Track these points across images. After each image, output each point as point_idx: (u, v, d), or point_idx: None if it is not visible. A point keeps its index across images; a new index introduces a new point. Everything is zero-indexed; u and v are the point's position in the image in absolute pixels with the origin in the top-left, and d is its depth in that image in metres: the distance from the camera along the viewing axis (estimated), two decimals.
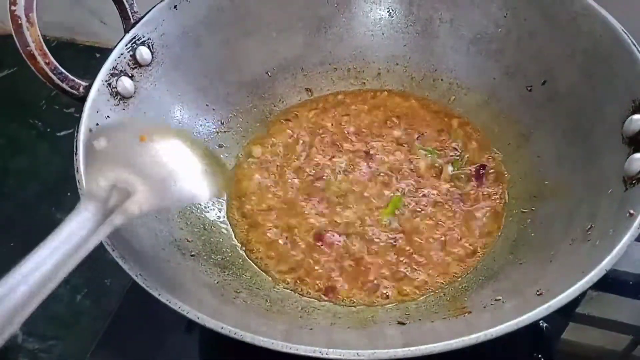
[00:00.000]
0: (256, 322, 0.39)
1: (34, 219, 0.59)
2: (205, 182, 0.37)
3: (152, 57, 0.49)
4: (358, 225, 0.48)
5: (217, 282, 0.43)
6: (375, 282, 0.45)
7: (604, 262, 0.33)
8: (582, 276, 0.33)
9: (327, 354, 0.31)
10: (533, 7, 0.50)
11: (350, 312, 0.44)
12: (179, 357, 0.48)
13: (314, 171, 0.52)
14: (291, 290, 0.45)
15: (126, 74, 0.47)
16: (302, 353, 0.32)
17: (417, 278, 0.45)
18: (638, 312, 0.49)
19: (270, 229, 0.49)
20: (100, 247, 0.33)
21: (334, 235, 0.48)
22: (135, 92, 0.47)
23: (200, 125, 0.53)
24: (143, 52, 0.48)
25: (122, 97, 0.46)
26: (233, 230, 0.50)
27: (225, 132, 0.55)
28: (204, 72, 0.54)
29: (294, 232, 0.48)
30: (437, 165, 0.52)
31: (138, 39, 0.48)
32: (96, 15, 0.72)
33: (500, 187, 0.50)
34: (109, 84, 0.45)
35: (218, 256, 0.46)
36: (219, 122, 0.55)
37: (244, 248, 0.48)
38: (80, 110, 0.43)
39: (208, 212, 0.50)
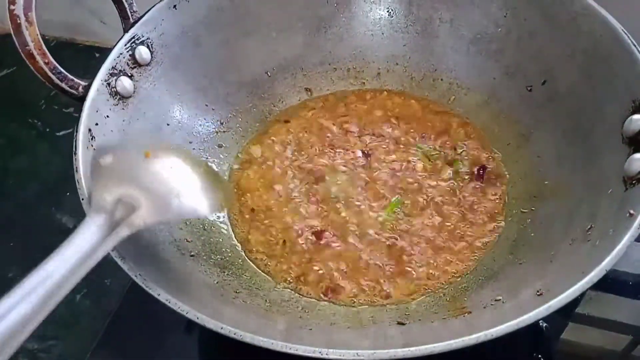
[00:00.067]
0: (256, 322, 0.39)
1: (34, 219, 0.59)
2: (206, 197, 0.39)
3: (152, 56, 0.49)
4: (358, 225, 0.48)
5: (217, 282, 0.43)
6: (375, 282, 0.45)
7: (604, 263, 0.33)
8: (582, 276, 0.33)
9: (327, 354, 0.31)
10: (533, 7, 0.50)
11: (350, 312, 0.44)
12: (178, 357, 0.48)
13: (313, 171, 0.52)
14: (291, 290, 0.45)
15: (125, 74, 0.47)
16: (302, 353, 0.32)
17: (417, 278, 0.45)
18: (638, 312, 0.49)
19: (269, 229, 0.49)
20: None
21: (333, 236, 0.48)
22: (134, 91, 0.47)
23: (200, 125, 0.53)
24: (142, 52, 0.48)
25: (121, 97, 0.46)
26: (233, 230, 0.50)
27: (224, 132, 0.55)
28: (204, 72, 0.54)
29: (293, 232, 0.48)
30: (436, 165, 0.52)
31: (137, 39, 0.48)
32: (96, 14, 0.72)
33: (500, 187, 0.50)
34: (109, 84, 0.45)
35: (218, 256, 0.46)
36: (219, 122, 0.55)
37: (243, 248, 0.48)
38: (79, 110, 0.43)
39: None
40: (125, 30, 0.48)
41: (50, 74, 0.43)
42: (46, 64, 0.43)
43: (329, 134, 0.55)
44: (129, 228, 0.34)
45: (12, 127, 0.68)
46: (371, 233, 0.48)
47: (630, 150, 0.39)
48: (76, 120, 0.42)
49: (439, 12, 0.56)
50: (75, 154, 0.40)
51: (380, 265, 0.46)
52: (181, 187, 0.38)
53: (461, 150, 0.53)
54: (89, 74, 0.45)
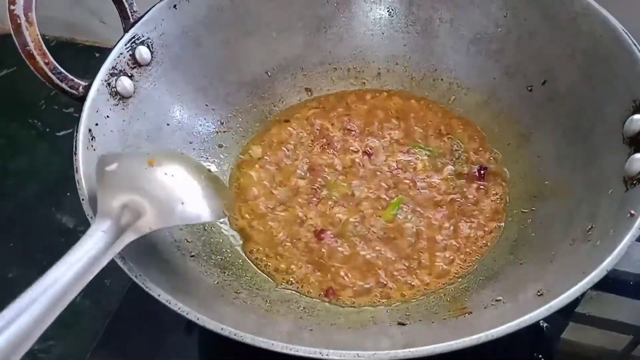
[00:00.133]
0: (256, 323, 0.39)
1: (34, 219, 0.59)
2: (209, 203, 0.40)
3: (152, 56, 0.49)
4: (358, 226, 0.48)
5: (217, 283, 0.43)
6: (375, 282, 0.45)
7: (604, 263, 0.33)
8: (583, 277, 0.33)
9: (327, 354, 0.31)
10: (533, 7, 0.50)
11: (350, 312, 0.44)
12: (178, 358, 0.48)
13: (313, 171, 0.52)
14: (291, 290, 0.45)
15: (126, 74, 0.47)
16: (302, 354, 0.32)
17: (418, 278, 0.45)
18: (638, 312, 0.49)
19: (270, 229, 0.49)
20: None
21: (334, 236, 0.48)
22: (134, 91, 0.47)
23: (200, 125, 0.53)
24: (142, 52, 0.48)
25: (121, 97, 0.46)
26: (233, 231, 0.50)
27: (224, 132, 0.55)
28: (204, 72, 0.53)
29: (293, 232, 0.48)
30: (437, 165, 0.52)
31: (137, 39, 0.48)
32: (96, 14, 0.72)
33: (501, 187, 0.50)
34: (109, 84, 0.45)
35: (218, 257, 0.46)
36: (219, 122, 0.55)
37: (243, 248, 0.48)
38: (79, 110, 0.43)
39: None
40: (126, 30, 0.48)
41: (50, 74, 0.43)
42: (46, 64, 0.43)
43: (329, 134, 0.55)
44: (134, 234, 0.35)
45: (12, 127, 0.68)
46: (371, 233, 0.48)
47: (630, 151, 0.39)
48: (76, 121, 0.42)
49: (439, 12, 0.56)
50: (75, 154, 0.40)
51: (381, 265, 0.46)
52: (185, 193, 0.38)
53: (461, 150, 0.53)
54: (89, 74, 0.45)
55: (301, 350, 0.32)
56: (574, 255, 0.38)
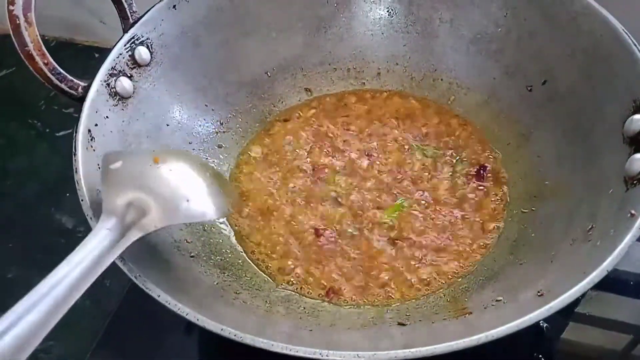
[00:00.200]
0: (256, 323, 0.39)
1: (34, 219, 0.59)
2: (214, 201, 0.39)
3: (151, 57, 0.49)
4: (358, 226, 0.48)
5: (217, 283, 0.43)
6: (375, 282, 0.45)
7: (605, 263, 0.33)
8: (584, 277, 0.33)
9: (327, 355, 0.31)
10: (533, 7, 0.50)
11: (350, 313, 0.44)
12: (178, 358, 0.48)
13: (313, 172, 0.52)
14: (291, 291, 0.45)
15: (125, 74, 0.47)
16: (302, 355, 0.32)
17: (418, 279, 0.45)
18: (638, 312, 0.49)
19: (269, 229, 0.49)
20: None
21: (334, 236, 0.48)
22: (134, 92, 0.47)
23: (200, 125, 0.53)
24: (142, 52, 0.48)
25: (121, 97, 0.46)
26: (233, 231, 0.50)
27: (224, 132, 0.55)
28: (203, 72, 0.53)
29: (293, 232, 0.48)
30: (437, 165, 0.52)
31: (137, 39, 0.48)
32: (95, 15, 0.72)
33: (501, 187, 0.50)
34: (108, 84, 0.45)
35: (218, 257, 0.46)
36: (218, 123, 0.55)
37: (243, 249, 0.48)
38: (79, 110, 0.43)
39: None
40: (125, 31, 0.48)
41: (49, 74, 0.43)
42: (45, 64, 0.42)
43: (329, 134, 0.55)
44: (140, 231, 0.35)
45: (11, 128, 0.68)
46: (371, 233, 0.48)
47: (631, 150, 0.39)
48: (76, 121, 0.42)
49: (439, 12, 0.56)
50: (74, 154, 0.40)
51: (381, 265, 0.46)
52: (190, 191, 0.38)
53: (461, 150, 0.53)
54: (89, 75, 0.45)
55: (301, 351, 0.32)
56: (574, 256, 0.38)
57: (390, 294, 0.45)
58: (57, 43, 0.75)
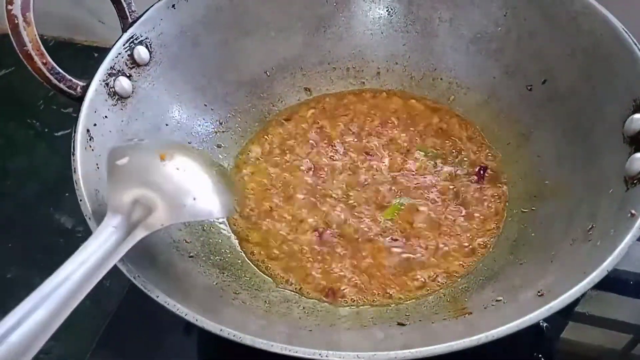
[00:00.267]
0: (255, 324, 0.39)
1: (33, 219, 0.59)
2: (220, 199, 0.39)
3: (150, 56, 0.49)
4: (358, 226, 0.48)
5: (216, 284, 0.43)
6: (375, 282, 0.45)
7: (605, 263, 0.33)
8: (584, 277, 0.33)
9: (327, 355, 0.31)
10: (533, 7, 0.50)
11: (350, 313, 0.43)
12: (177, 358, 0.48)
13: (313, 171, 0.52)
14: (290, 291, 0.45)
15: (124, 74, 0.47)
16: (302, 355, 0.31)
17: (418, 279, 0.45)
18: (638, 311, 0.49)
19: (269, 229, 0.49)
20: None
21: (333, 236, 0.48)
22: (133, 92, 0.47)
23: (199, 125, 0.53)
24: (141, 52, 0.48)
25: (119, 97, 0.46)
26: (232, 231, 0.49)
27: (223, 132, 0.55)
28: (203, 72, 0.53)
29: (293, 232, 0.48)
30: (436, 165, 0.52)
31: (136, 39, 0.48)
32: (94, 14, 0.72)
33: (501, 187, 0.50)
34: (107, 84, 0.45)
35: (217, 257, 0.46)
36: (218, 122, 0.55)
37: (243, 249, 0.48)
38: (78, 110, 0.43)
39: None
40: (124, 30, 0.48)
41: (48, 74, 0.43)
42: (44, 64, 0.42)
43: (328, 134, 0.55)
44: (145, 230, 0.34)
45: (10, 128, 0.68)
46: (371, 233, 0.48)
47: (631, 150, 0.39)
48: (74, 121, 0.42)
49: (438, 11, 0.56)
50: (73, 154, 0.40)
51: (381, 265, 0.46)
52: (196, 188, 0.38)
53: (461, 150, 0.53)
54: (88, 74, 0.45)
55: (300, 351, 0.31)
56: (574, 255, 0.38)
57: (390, 294, 0.44)
58: (56, 43, 0.75)
